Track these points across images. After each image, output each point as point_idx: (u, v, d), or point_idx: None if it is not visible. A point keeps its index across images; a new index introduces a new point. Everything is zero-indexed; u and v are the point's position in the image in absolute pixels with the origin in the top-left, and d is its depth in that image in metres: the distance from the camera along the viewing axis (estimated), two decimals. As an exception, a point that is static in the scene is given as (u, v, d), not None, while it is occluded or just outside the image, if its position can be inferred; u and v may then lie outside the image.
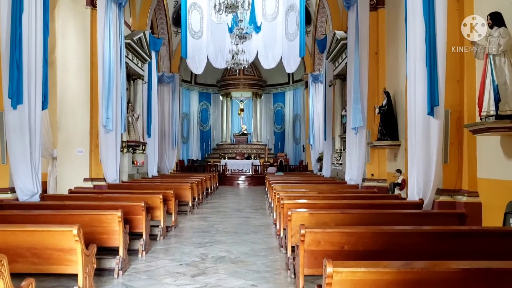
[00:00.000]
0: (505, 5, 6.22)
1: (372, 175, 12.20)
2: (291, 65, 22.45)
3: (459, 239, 4.34)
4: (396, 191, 9.84)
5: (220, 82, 28.00)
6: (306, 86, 23.24)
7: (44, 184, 10.86)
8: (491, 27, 6.12)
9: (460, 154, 7.46)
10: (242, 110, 28.38)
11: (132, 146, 15.59)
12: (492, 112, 6.01)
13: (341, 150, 16.18)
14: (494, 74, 5.99)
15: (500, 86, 5.99)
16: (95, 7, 12.28)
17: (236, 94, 28.19)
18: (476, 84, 7.14)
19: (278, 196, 7.76)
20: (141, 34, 16.13)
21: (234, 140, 27.64)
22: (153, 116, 17.25)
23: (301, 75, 24.75)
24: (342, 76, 16.34)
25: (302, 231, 4.17)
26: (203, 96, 28.45)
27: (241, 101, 28.41)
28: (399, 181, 9.99)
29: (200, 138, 27.82)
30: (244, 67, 21.21)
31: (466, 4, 7.38)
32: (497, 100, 5.98)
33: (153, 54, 17.55)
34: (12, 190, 8.25)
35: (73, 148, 12.14)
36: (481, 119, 6.24)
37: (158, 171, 18.29)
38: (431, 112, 7.23)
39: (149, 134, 16.93)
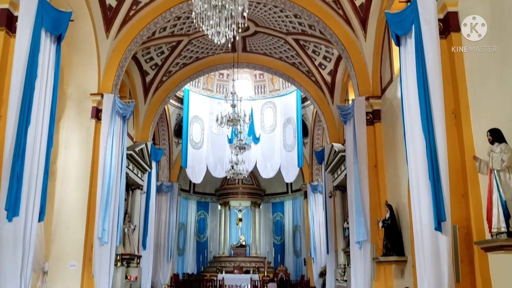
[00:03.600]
0: (504, 122, 6.37)
1: (379, 293, 11.58)
2: (290, 175, 22.76)
3: None
4: (407, 312, 9.25)
5: (219, 191, 27.95)
6: (305, 196, 23.17)
7: (31, 301, 10.20)
8: (492, 143, 6.22)
9: (472, 273, 7.13)
10: (240, 220, 27.91)
11: (126, 259, 15.00)
12: (503, 229, 5.86)
13: (345, 265, 15.58)
14: (501, 190, 5.95)
15: (508, 202, 5.92)
16: (100, 119, 12.59)
17: (234, 203, 27.96)
18: (481, 198, 7.06)
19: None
20: (143, 145, 16.41)
21: (232, 252, 26.74)
22: (150, 228, 16.86)
23: (300, 185, 24.80)
24: (342, 188, 16.32)
25: None
26: (201, 205, 28.18)
27: (240, 210, 28.09)
28: (409, 300, 9.44)
29: (197, 250, 26.93)
30: (243, 177, 21.37)
31: (464, 120, 7.58)
32: (507, 216, 5.87)
33: (154, 164, 17.69)
34: (-4, 311, 7.70)
35: (65, 262, 11.56)
36: (492, 236, 6.06)
37: (151, 286, 17.41)
38: (438, 228, 7.06)
39: (144, 247, 16.39)
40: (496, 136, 6.18)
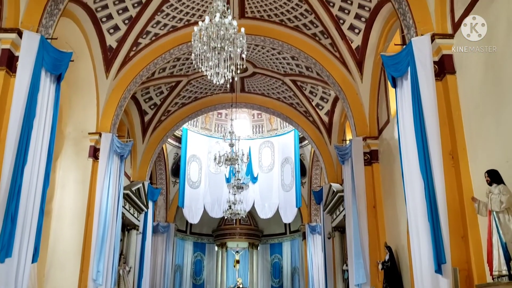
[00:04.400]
0: (501, 163, 6.36)
1: (379, 338, 11.23)
2: (288, 215, 22.49)
3: None
4: None
5: (216, 231, 27.54)
6: (304, 237, 22.84)
7: None
8: (490, 184, 6.19)
9: (475, 317, 6.94)
10: (238, 261, 27.37)
11: (120, 303, 14.63)
12: (504, 272, 5.76)
13: (344, 308, 15.21)
14: (501, 232, 5.89)
15: (508, 244, 5.83)
16: (97, 158, 12.53)
17: (232, 244, 27.48)
18: (481, 240, 6.97)
19: None
20: (140, 185, 16.31)
21: (229, 295, 26.11)
22: (145, 269, 16.52)
23: (298, 226, 24.50)
24: (341, 228, 16.12)
25: None
26: (198, 246, 27.70)
27: (237, 252, 27.59)
28: None
29: (193, 293, 26.30)
30: (241, 217, 21.14)
31: (461, 161, 7.57)
32: (508, 259, 5.77)
33: (150, 204, 17.52)
34: None
35: (58, 305, 11.28)
36: (493, 279, 5.94)
37: (146, 331, 16.86)
38: (438, 270, 6.94)
39: (139, 289, 16.02)
40: (494, 177, 6.16)
